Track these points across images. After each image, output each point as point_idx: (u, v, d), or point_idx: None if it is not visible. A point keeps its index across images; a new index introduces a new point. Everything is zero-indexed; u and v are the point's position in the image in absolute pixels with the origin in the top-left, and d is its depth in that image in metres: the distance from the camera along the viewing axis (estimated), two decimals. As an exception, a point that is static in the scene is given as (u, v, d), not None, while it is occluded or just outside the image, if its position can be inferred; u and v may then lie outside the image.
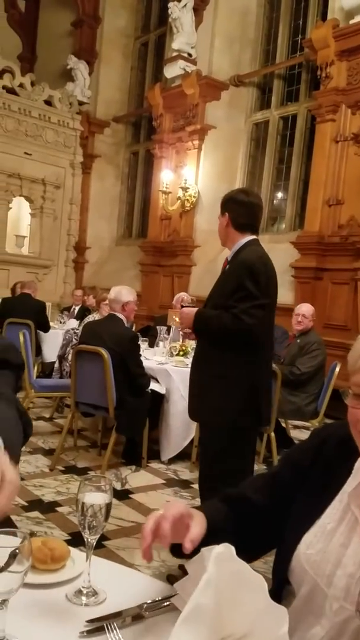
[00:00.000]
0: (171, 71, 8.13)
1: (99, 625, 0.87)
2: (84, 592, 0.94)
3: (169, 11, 7.93)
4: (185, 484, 3.80)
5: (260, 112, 7.77)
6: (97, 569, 1.01)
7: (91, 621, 0.88)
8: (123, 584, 1.03)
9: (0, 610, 0.81)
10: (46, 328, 6.33)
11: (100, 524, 0.92)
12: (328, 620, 0.92)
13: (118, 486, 3.69)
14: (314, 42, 6.12)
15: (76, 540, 2.82)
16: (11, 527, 0.93)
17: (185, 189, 7.60)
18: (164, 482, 3.83)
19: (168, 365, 4.48)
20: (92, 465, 4.01)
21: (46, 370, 6.47)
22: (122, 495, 3.54)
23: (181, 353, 4.84)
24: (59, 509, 3.17)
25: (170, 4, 7.94)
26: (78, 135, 9.81)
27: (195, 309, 2.55)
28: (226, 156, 7.84)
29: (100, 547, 2.79)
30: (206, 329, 2.54)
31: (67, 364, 5.08)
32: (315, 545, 0.98)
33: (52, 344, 6.13)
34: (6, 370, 1.36)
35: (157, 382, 4.33)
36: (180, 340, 5.00)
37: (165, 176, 7.83)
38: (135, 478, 3.88)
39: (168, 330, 5.19)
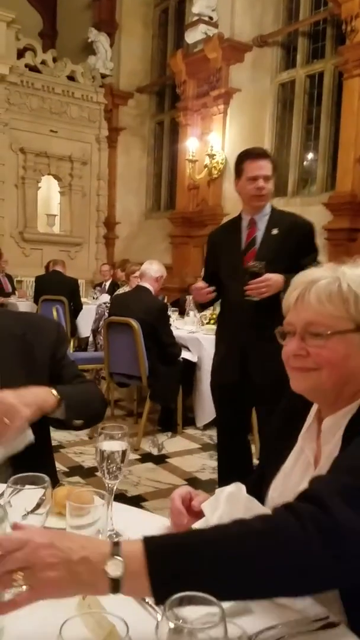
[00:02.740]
0: (193, 36, 7.94)
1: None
2: (108, 534, 0.98)
3: (188, -26, 7.73)
4: (220, 449, 3.86)
5: (286, 71, 7.54)
6: (120, 515, 1.06)
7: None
8: (145, 527, 1.07)
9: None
10: (79, 306, 6.44)
11: (118, 470, 0.96)
12: None
13: (155, 451, 3.79)
14: (337, -6, 5.88)
15: (116, 502, 2.93)
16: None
17: (211, 156, 7.49)
18: (199, 446, 3.90)
19: (199, 333, 4.52)
20: (129, 433, 4.11)
21: (82, 345, 6.62)
22: (159, 459, 3.63)
23: (212, 322, 4.85)
24: (98, 473, 3.28)
25: (189, -34, 7.74)
26: (102, 108, 9.75)
27: (279, 275, 2.39)
28: (253, 119, 7.66)
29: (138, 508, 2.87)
30: None
31: (101, 337, 5.18)
32: (278, 488, 1.06)
33: (86, 319, 6.24)
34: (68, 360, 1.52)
35: (189, 350, 4.37)
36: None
37: (191, 144, 7.73)
38: (172, 444, 3.96)
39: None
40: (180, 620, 0.58)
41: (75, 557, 0.72)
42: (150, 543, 0.75)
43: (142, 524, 1.09)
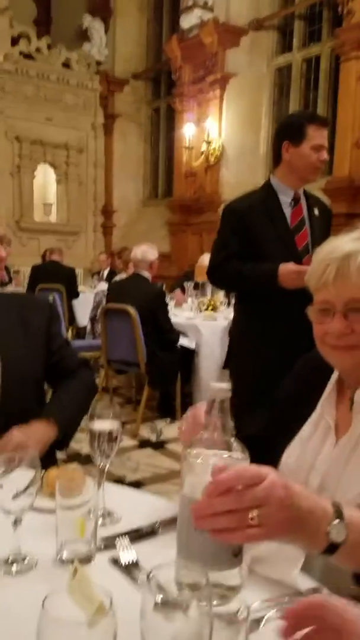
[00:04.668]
0: (188, 21, 7.86)
1: (111, 542, 0.92)
2: (100, 513, 0.98)
3: None
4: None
5: (282, 55, 7.47)
6: (113, 494, 1.06)
7: (105, 538, 0.93)
8: (138, 506, 1.07)
9: (15, 529, 0.87)
10: (75, 294, 6.42)
11: (109, 449, 0.96)
12: None
13: (153, 438, 3.79)
14: (334, -25, 5.81)
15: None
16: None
17: (208, 143, 7.44)
18: (198, 432, 3.91)
19: (197, 320, 4.51)
20: (128, 420, 4.12)
21: (81, 333, 6.60)
22: (158, 445, 3.64)
23: (210, 308, 4.85)
24: (96, 460, 3.30)
25: None
26: (97, 95, 9.66)
27: None
28: (249, 104, 7.60)
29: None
30: None
31: (99, 325, 5.17)
32: (293, 453, 1.06)
33: (85, 307, 6.23)
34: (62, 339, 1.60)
35: (187, 337, 4.36)
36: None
37: (187, 130, 7.68)
38: (170, 429, 3.97)
39: (196, 286, 5.18)
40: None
41: (304, 504, 0.71)
42: None
43: (134, 503, 1.09)
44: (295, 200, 2.33)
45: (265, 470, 0.70)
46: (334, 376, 1.07)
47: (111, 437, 0.96)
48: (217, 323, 4.50)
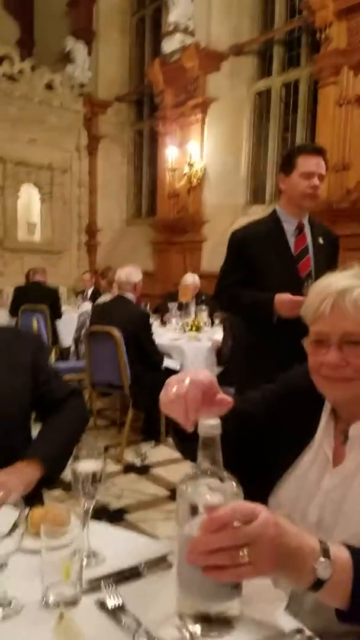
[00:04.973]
0: (169, 45, 8.00)
1: (96, 584, 0.92)
2: (85, 554, 0.99)
3: (164, -17, 7.79)
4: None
5: (262, 80, 7.62)
6: (98, 533, 1.07)
7: (91, 581, 0.94)
8: (123, 546, 1.08)
9: (0, 573, 0.87)
10: (58, 315, 6.41)
11: (93, 489, 0.97)
12: None
13: (138, 462, 3.78)
14: (311, 3, 5.97)
15: (98, 515, 2.92)
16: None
17: (191, 165, 7.54)
18: (182, 455, 3.90)
19: (181, 341, 4.53)
20: (112, 443, 4.11)
21: (65, 354, 6.58)
22: (143, 470, 3.63)
23: (194, 328, 4.88)
24: (80, 486, 3.27)
25: (165, -24, 7.80)
26: (81, 117, 9.75)
27: None
28: (230, 128, 7.73)
29: (120, 521, 2.87)
30: None
31: (83, 347, 5.17)
32: (291, 486, 1.06)
33: (69, 327, 6.21)
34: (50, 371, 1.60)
35: (171, 358, 4.38)
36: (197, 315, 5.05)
37: (170, 153, 7.77)
38: (155, 453, 3.96)
39: (179, 307, 5.22)
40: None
41: (293, 542, 0.73)
42: (358, 556, 0.77)
43: (119, 542, 1.10)
44: (299, 229, 2.40)
45: (259, 507, 0.72)
46: (328, 405, 1.07)
47: (95, 479, 0.97)
48: (201, 344, 4.53)
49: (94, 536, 1.05)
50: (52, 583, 0.89)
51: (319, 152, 2.38)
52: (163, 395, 0.92)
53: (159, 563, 0.99)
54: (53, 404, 1.55)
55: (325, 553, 0.75)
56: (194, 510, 0.75)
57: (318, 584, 0.74)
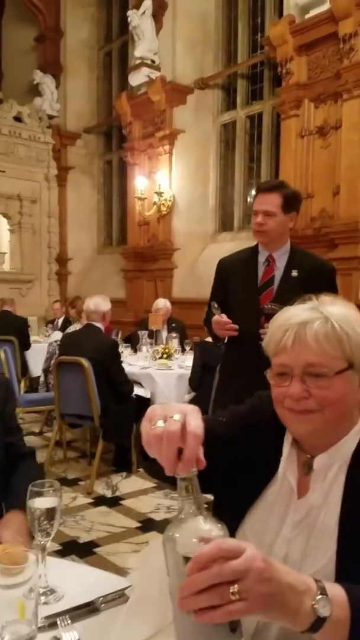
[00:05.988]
0: (136, 79, 8.19)
1: (52, 621, 0.92)
2: (41, 591, 0.99)
3: (129, 19, 7.99)
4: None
5: (227, 112, 7.85)
6: (58, 570, 1.06)
7: (47, 617, 0.94)
8: (83, 582, 1.08)
9: None
10: (27, 345, 6.37)
11: (50, 527, 0.97)
12: None
13: (109, 494, 3.74)
14: (272, 40, 6.20)
15: (68, 549, 2.88)
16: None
17: (159, 194, 7.66)
18: (154, 485, 3.88)
19: (151, 369, 4.54)
20: (82, 476, 4.05)
21: (34, 385, 6.50)
22: (113, 502, 3.59)
23: (164, 356, 4.89)
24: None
25: (129, 12, 8.00)
26: (50, 148, 9.84)
27: None
28: (197, 159, 7.90)
29: (91, 554, 2.83)
30: None
31: (52, 377, 5.12)
32: (259, 517, 1.04)
33: (38, 357, 6.16)
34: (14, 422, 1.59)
35: (142, 386, 4.38)
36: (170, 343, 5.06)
37: (139, 182, 7.88)
38: (127, 484, 3.93)
39: (150, 335, 5.24)
40: None
41: (284, 579, 0.70)
42: (353, 593, 0.75)
43: (79, 578, 1.10)
44: (269, 261, 2.48)
45: (244, 543, 0.70)
46: (289, 435, 1.06)
47: (51, 515, 0.98)
48: (171, 371, 4.54)
49: (55, 572, 1.05)
50: (8, 622, 0.88)
51: (267, 189, 2.47)
52: (147, 429, 0.79)
53: (117, 598, 1.00)
54: (15, 457, 1.51)
55: (322, 590, 0.72)
56: (185, 561, 0.70)
57: (317, 624, 0.71)
